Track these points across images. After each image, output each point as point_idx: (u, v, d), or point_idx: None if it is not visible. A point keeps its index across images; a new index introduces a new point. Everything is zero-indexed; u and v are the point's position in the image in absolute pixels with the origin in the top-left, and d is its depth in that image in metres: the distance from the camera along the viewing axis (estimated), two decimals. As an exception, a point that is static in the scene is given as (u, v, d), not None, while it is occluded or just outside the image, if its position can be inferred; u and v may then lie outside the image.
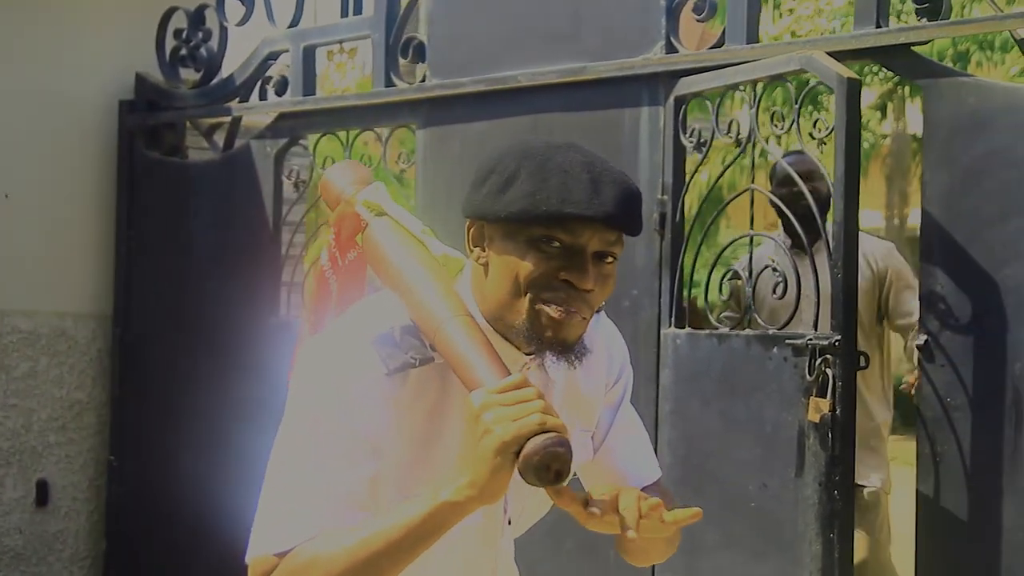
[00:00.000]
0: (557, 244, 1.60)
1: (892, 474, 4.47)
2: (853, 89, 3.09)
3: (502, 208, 1.61)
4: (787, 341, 3.19)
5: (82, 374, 5.09)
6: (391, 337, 1.66)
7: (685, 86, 3.54)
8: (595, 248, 1.62)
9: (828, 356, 3.07)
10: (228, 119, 4.85)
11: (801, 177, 3.78)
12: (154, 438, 4.95)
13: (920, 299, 3.18)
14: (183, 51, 4.91)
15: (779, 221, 3.92)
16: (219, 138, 4.94)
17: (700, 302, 3.87)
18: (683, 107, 3.57)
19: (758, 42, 3.48)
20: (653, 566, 3.25)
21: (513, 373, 1.70)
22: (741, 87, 3.42)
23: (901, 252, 4.39)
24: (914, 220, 15.00)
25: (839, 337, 3.07)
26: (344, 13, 4.45)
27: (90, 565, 5.14)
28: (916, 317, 4.04)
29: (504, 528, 1.82)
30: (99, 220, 5.10)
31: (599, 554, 3.59)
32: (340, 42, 4.48)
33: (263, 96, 4.72)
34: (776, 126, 3.36)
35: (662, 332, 3.55)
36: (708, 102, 3.57)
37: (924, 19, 3.17)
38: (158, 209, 4.99)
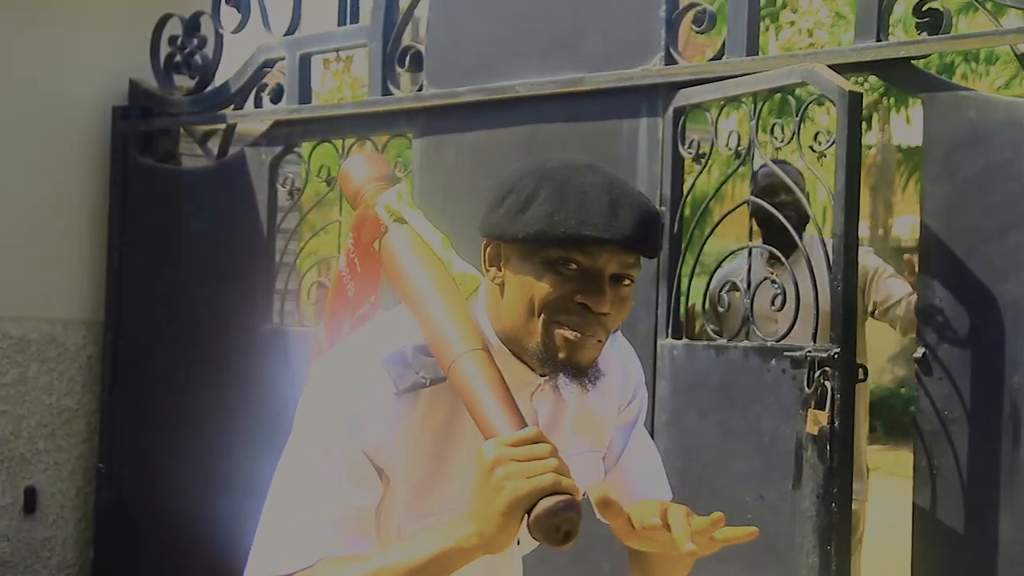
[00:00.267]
0: (574, 266, 1.59)
1: (873, 484, 4.48)
2: (855, 102, 3.09)
3: (520, 229, 1.60)
4: (786, 353, 3.20)
5: (72, 381, 5.07)
6: (403, 356, 1.65)
7: (685, 97, 3.54)
8: (613, 271, 1.61)
9: (827, 368, 3.08)
10: (222, 126, 4.84)
11: (780, 189, 3.80)
12: (144, 446, 4.93)
13: (919, 312, 3.19)
14: (178, 57, 4.90)
15: (758, 231, 3.93)
16: (213, 145, 4.93)
17: (698, 312, 3.87)
18: (682, 118, 3.58)
19: (758, 54, 3.49)
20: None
21: (526, 392, 1.69)
22: (742, 99, 3.43)
23: (885, 261, 4.42)
24: (899, 230, 15.08)
25: (838, 349, 3.08)
26: (341, 21, 4.44)
27: (77, 573, 5.11)
28: (899, 297, 4.07)
29: (513, 548, 1.81)
30: (91, 226, 5.09)
31: (591, 564, 3.58)
32: (337, 50, 4.47)
33: (258, 103, 4.71)
34: (776, 138, 3.36)
35: (659, 343, 3.55)
36: (707, 113, 3.57)
37: (924, 33, 3.18)
38: (151, 216, 4.98)
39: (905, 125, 13.46)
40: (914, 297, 4.09)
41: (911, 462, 3.20)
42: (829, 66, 3.23)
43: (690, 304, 3.89)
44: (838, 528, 3.08)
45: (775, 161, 3.70)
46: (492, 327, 1.68)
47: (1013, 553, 2.98)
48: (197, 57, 4.85)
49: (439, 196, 4.08)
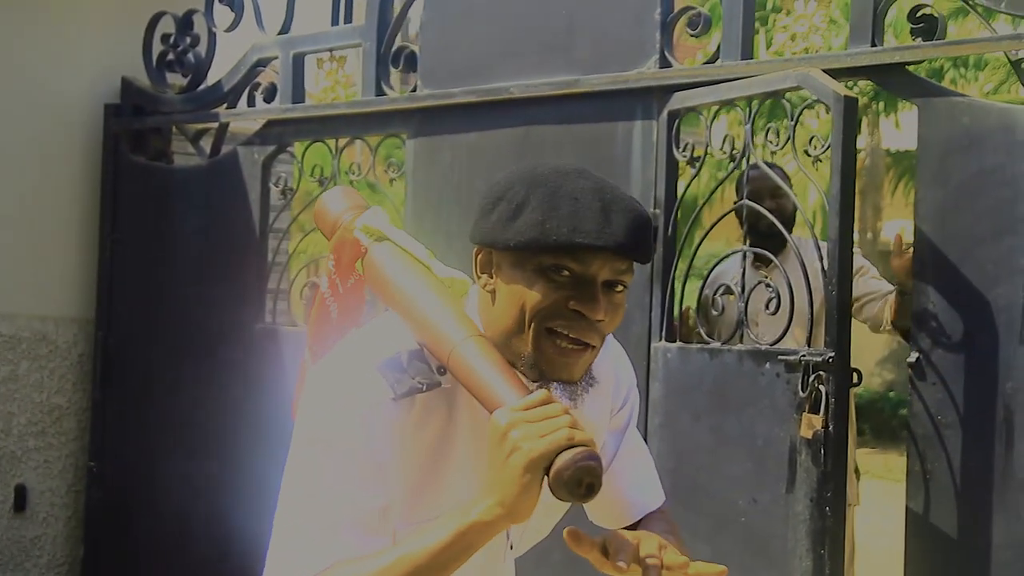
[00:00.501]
0: (567, 273, 1.59)
1: (862, 487, 4.49)
2: (850, 107, 3.10)
3: (512, 237, 1.59)
4: (780, 357, 3.20)
5: (63, 379, 5.06)
6: (398, 362, 1.65)
7: (680, 100, 3.54)
8: (605, 277, 1.60)
9: (821, 372, 3.08)
10: (215, 125, 4.84)
11: (767, 193, 3.81)
12: (135, 444, 4.92)
13: (912, 317, 3.20)
14: (171, 56, 4.89)
15: (745, 234, 3.94)
16: (206, 144, 4.92)
17: (692, 315, 3.88)
18: (676, 121, 3.58)
19: (752, 58, 3.50)
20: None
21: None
22: (737, 103, 3.43)
23: (873, 265, 4.44)
24: (887, 234, 15.11)
25: (832, 354, 3.08)
26: (335, 21, 4.43)
27: (67, 572, 5.10)
28: (872, 294, 4.09)
29: (507, 552, 1.81)
30: (82, 224, 5.08)
31: (587, 567, 3.58)
32: (330, 50, 4.47)
33: (251, 103, 4.70)
34: (771, 142, 3.37)
35: (652, 346, 3.55)
36: (702, 117, 3.58)
37: (919, 39, 3.19)
38: (142, 214, 4.97)
39: (894, 129, 13.50)
40: (890, 296, 4.12)
41: (900, 466, 3.21)
42: (824, 70, 3.24)
43: (685, 307, 3.90)
44: (832, 532, 3.08)
45: (765, 163, 3.71)
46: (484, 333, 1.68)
47: (1006, 557, 2.99)
48: (190, 55, 4.85)
49: (433, 197, 4.08)
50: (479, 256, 1.68)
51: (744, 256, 3.55)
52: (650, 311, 3.57)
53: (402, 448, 1.63)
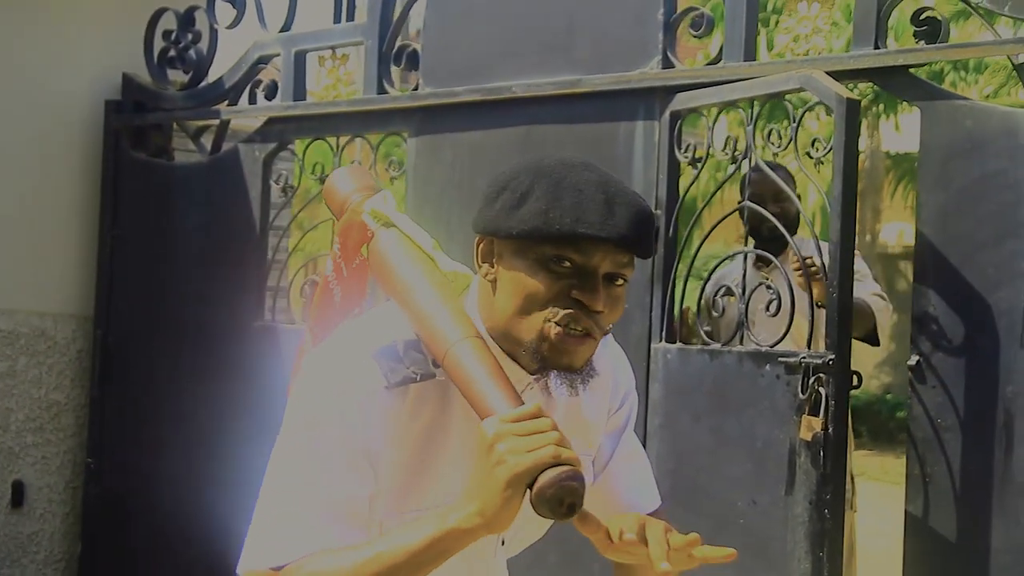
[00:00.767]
0: (568, 264, 1.59)
1: (859, 489, 4.48)
2: (852, 109, 3.10)
3: (515, 225, 1.60)
4: (780, 359, 3.20)
5: (61, 375, 5.05)
6: (394, 350, 1.65)
7: (682, 101, 3.54)
8: (606, 269, 1.61)
9: (821, 375, 3.08)
10: (216, 122, 4.83)
11: (771, 196, 3.80)
12: (133, 441, 4.92)
13: (913, 320, 3.19)
14: (172, 52, 4.89)
15: (746, 236, 3.93)
16: (206, 141, 4.92)
17: (692, 315, 3.88)
18: (679, 122, 3.58)
19: (755, 59, 3.49)
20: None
21: (519, 393, 1.69)
22: (739, 104, 3.43)
23: (872, 267, 4.44)
24: (886, 236, 15.12)
25: (833, 356, 3.08)
26: (337, 19, 4.43)
27: (64, 568, 5.10)
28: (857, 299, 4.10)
29: (497, 549, 1.81)
30: (82, 220, 5.07)
31: (583, 568, 3.59)
32: (332, 48, 4.46)
33: (252, 100, 4.70)
34: (773, 144, 3.36)
35: (652, 346, 3.55)
36: (704, 118, 3.57)
37: (922, 42, 3.19)
38: (142, 210, 4.96)
39: (894, 132, 13.50)
40: (873, 300, 4.12)
41: (896, 468, 3.22)
42: (826, 72, 3.24)
43: (684, 307, 3.90)
44: (830, 534, 3.08)
45: (767, 163, 3.70)
46: (483, 324, 1.68)
47: (1005, 561, 2.99)
48: (191, 52, 4.84)
49: (434, 195, 4.07)
50: (481, 245, 1.68)
51: (745, 257, 3.55)
52: (650, 312, 3.56)
53: (395, 437, 1.64)
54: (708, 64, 3.60)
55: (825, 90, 3.15)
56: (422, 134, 4.14)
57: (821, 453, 3.06)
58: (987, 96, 11.53)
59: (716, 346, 3.44)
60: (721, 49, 3.53)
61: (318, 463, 1.61)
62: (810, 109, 3.39)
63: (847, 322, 3.13)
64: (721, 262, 3.96)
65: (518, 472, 1.46)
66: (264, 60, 4.65)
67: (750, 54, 3.47)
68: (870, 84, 3.24)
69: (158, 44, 4.90)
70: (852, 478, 4.25)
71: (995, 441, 3.01)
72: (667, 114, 3.58)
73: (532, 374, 1.67)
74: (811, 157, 3.26)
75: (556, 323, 1.60)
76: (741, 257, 3.59)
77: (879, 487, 8.96)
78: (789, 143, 3.30)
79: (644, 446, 3.45)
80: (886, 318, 4.21)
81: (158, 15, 4.88)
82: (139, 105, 5.00)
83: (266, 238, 4.57)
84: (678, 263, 3.59)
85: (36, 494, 5.01)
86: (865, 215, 14.34)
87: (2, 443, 4.91)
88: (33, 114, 4.92)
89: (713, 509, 3.36)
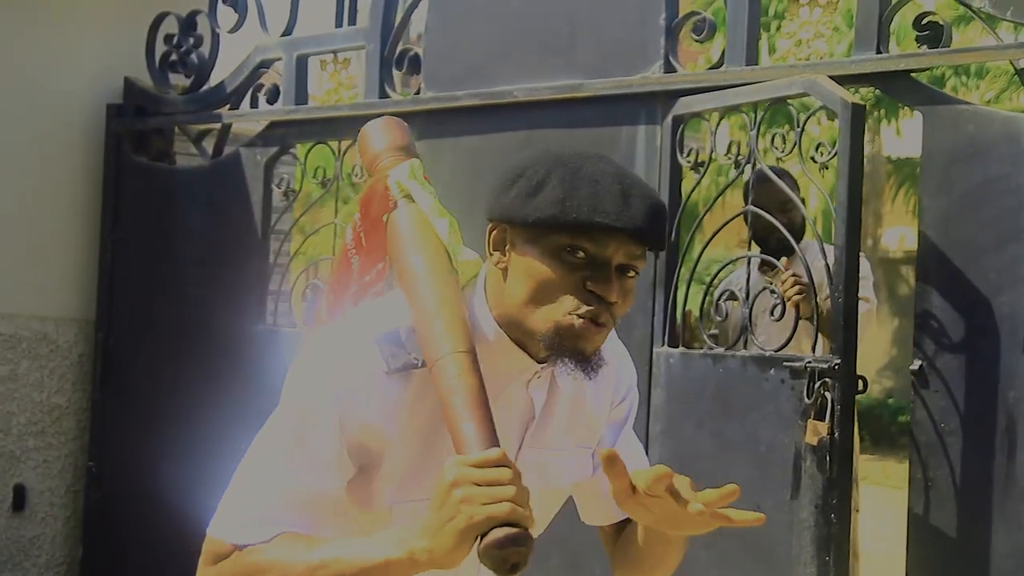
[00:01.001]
0: (582, 254, 1.59)
1: (862, 493, 4.48)
2: (858, 114, 3.10)
3: (530, 213, 1.60)
4: (784, 363, 3.20)
5: (62, 378, 5.05)
6: (396, 336, 1.64)
7: (684, 106, 3.54)
8: (620, 261, 1.61)
9: (827, 379, 3.08)
10: (218, 126, 4.83)
11: (776, 205, 3.79)
12: (134, 445, 4.91)
13: (915, 324, 3.19)
14: (173, 56, 4.89)
15: (750, 240, 3.93)
16: (208, 145, 4.92)
17: (694, 319, 3.87)
18: (681, 127, 3.58)
19: (757, 64, 3.49)
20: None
21: (522, 380, 1.69)
22: (743, 109, 3.43)
23: (874, 271, 4.44)
24: (887, 241, 15.12)
25: (839, 361, 3.08)
26: (339, 23, 4.43)
27: (66, 571, 5.09)
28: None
29: (480, 568, 1.80)
30: (84, 224, 5.07)
31: (585, 570, 3.58)
32: (334, 52, 4.46)
33: (254, 104, 4.70)
34: (776, 148, 3.36)
35: (654, 351, 3.55)
36: (707, 123, 3.57)
37: (924, 46, 3.19)
38: (144, 215, 4.96)
39: (895, 136, 13.50)
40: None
41: (898, 472, 3.22)
42: (829, 77, 3.24)
43: (687, 310, 3.89)
44: (837, 539, 3.08)
45: (772, 169, 3.69)
46: (491, 312, 1.68)
47: (1007, 566, 2.99)
48: (193, 56, 4.84)
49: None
50: (493, 232, 1.68)
51: (749, 261, 3.55)
52: (652, 316, 3.56)
53: (397, 423, 1.63)
54: (710, 68, 3.60)
55: (830, 95, 3.15)
56: (423, 138, 4.14)
57: (827, 458, 3.06)
58: (988, 101, 11.52)
59: (719, 350, 3.44)
60: (723, 53, 3.52)
61: (297, 451, 1.62)
62: (813, 114, 3.39)
63: (853, 327, 3.13)
64: (724, 266, 3.96)
65: (472, 523, 1.45)
66: (266, 64, 4.65)
67: (752, 58, 3.47)
68: (872, 89, 3.23)
69: (160, 48, 4.90)
70: (856, 482, 4.25)
71: (997, 445, 3.01)
72: (669, 119, 3.57)
73: (539, 363, 1.67)
74: (815, 161, 3.25)
75: (568, 313, 1.59)
76: (745, 262, 3.59)
77: (881, 491, 8.95)
78: (793, 147, 3.30)
79: (646, 451, 3.46)
80: (868, 321, 4.20)
81: (160, 19, 4.89)
82: (140, 109, 5.01)
83: (268, 242, 4.57)
84: (680, 267, 3.58)
85: (37, 498, 5.01)
86: (867, 220, 14.32)
87: (3, 447, 4.90)
88: (34, 117, 4.92)
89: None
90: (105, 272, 5.03)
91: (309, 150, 4.56)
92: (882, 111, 12.96)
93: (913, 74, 3.22)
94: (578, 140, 3.75)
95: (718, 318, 3.62)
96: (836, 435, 3.05)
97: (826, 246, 3.32)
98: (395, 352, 1.63)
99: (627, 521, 1.92)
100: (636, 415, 1.96)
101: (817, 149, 3.24)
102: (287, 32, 4.56)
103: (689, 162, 3.54)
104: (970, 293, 3.07)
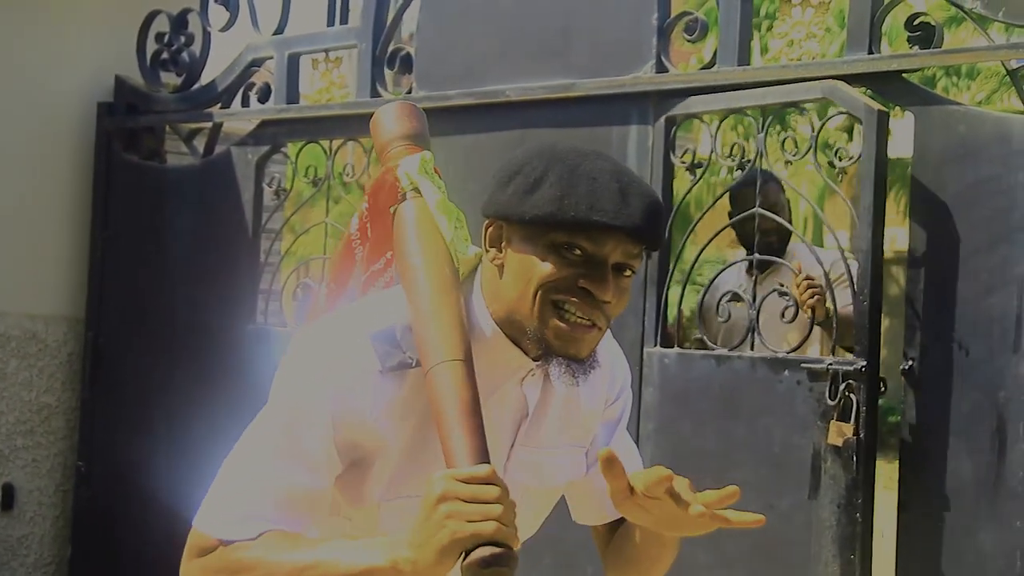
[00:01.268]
0: (579, 252, 1.59)
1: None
2: (882, 121, 3.12)
3: (528, 210, 1.59)
4: (803, 365, 3.21)
5: (52, 377, 5.03)
6: (392, 334, 1.63)
7: (686, 107, 3.53)
8: (616, 259, 1.60)
9: (851, 381, 3.09)
10: (209, 125, 4.82)
11: (768, 209, 3.79)
12: (124, 444, 4.90)
13: (906, 325, 3.19)
14: (165, 54, 4.88)
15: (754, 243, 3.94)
16: (199, 144, 4.91)
17: (688, 319, 3.88)
18: (674, 127, 3.57)
19: (749, 64, 3.49)
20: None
21: (516, 378, 1.69)
22: (749, 112, 3.42)
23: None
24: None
25: (864, 363, 3.11)
26: (330, 22, 4.42)
27: (54, 571, 5.08)
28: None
29: None
30: (74, 222, 5.06)
31: (578, 570, 3.58)
32: (326, 51, 4.46)
33: (245, 103, 4.69)
34: (787, 151, 3.35)
35: (645, 351, 3.55)
36: (708, 126, 3.57)
37: (916, 47, 3.19)
38: (134, 213, 4.95)
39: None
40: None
41: (888, 473, 3.22)
42: (820, 77, 3.24)
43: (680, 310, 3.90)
44: (862, 538, 3.10)
45: (761, 172, 3.69)
46: (488, 309, 1.67)
47: (997, 567, 2.99)
48: (184, 54, 4.83)
49: (427, 199, 4.06)
50: (490, 229, 1.67)
51: (749, 263, 3.55)
52: (643, 316, 3.56)
53: (389, 422, 1.63)
54: (702, 68, 3.60)
55: (853, 101, 3.15)
56: (416, 137, 4.13)
57: (854, 458, 3.08)
58: (979, 102, 11.54)
59: (723, 351, 3.44)
60: (715, 54, 3.52)
61: (285, 448, 1.62)
62: (800, 114, 3.38)
63: (877, 329, 3.15)
64: (723, 269, 3.96)
65: (454, 540, 1.44)
66: (257, 63, 4.64)
67: (744, 59, 3.47)
68: (863, 89, 3.23)
69: (151, 46, 4.89)
70: None
71: (987, 445, 3.01)
72: (662, 119, 3.57)
73: (535, 360, 1.66)
74: (834, 167, 3.26)
75: (561, 311, 1.59)
76: (738, 265, 3.59)
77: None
78: (808, 151, 3.30)
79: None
80: None
81: (151, 17, 4.87)
82: (132, 107, 4.99)
83: (258, 241, 4.56)
84: (673, 268, 3.58)
85: (26, 497, 4.99)
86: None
87: (-8, 446, 4.89)
88: (25, 116, 4.91)
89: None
90: (95, 270, 5.02)
91: (300, 149, 4.55)
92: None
93: (905, 75, 3.22)
94: (570, 139, 3.72)
95: (720, 319, 3.62)
96: (861, 436, 3.08)
97: (819, 250, 3.32)
98: (390, 351, 1.62)
99: (620, 521, 1.91)
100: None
101: (836, 153, 3.24)
102: (278, 31, 4.55)
103: (685, 163, 3.53)
104: (961, 293, 3.08)
